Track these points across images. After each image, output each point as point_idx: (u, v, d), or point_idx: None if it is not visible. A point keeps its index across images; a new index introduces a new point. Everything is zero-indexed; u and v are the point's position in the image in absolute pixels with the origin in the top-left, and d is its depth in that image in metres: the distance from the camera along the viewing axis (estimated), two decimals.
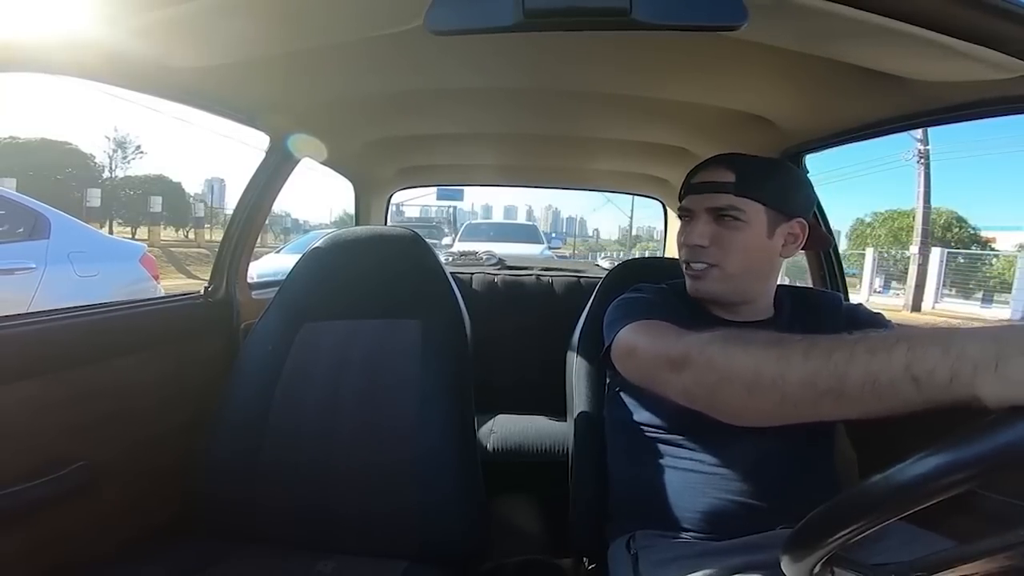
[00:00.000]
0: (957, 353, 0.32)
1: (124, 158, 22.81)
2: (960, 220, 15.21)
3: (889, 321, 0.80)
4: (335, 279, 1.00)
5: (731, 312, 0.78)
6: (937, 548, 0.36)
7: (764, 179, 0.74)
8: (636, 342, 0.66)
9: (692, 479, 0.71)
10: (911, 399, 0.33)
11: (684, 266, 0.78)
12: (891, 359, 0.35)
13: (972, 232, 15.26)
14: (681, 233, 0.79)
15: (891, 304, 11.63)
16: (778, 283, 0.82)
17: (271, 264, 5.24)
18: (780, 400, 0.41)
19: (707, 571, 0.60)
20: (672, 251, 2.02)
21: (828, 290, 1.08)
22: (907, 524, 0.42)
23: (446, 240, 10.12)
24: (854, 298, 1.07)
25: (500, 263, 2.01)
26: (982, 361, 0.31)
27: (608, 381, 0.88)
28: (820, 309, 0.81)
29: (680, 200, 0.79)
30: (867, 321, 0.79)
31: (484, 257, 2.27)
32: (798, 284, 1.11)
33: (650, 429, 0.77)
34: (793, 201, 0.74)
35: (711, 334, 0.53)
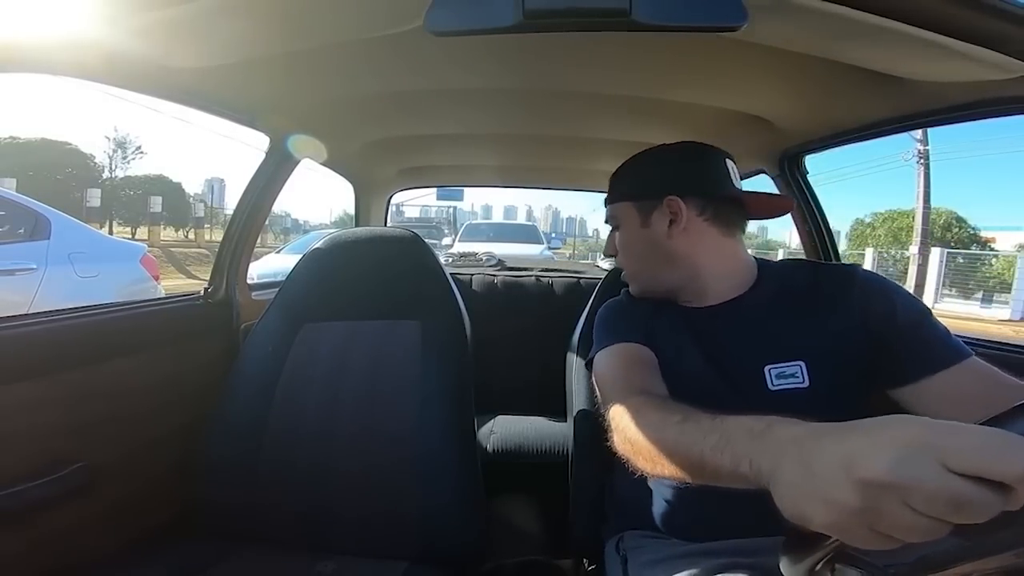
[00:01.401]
0: (756, 468, 0.38)
1: (124, 158, 22.85)
2: (960, 220, 15.21)
3: (906, 296, 0.69)
4: (335, 280, 1.00)
5: (686, 300, 0.77)
6: (939, 546, 0.35)
7: (623, 179, 0.80)
8: (599, 379, 0.72)
9: (684, 486, 0.68)
10: (746, 486, 0.39)
11: None
12: (723, 458, 0.42)
13: (972, 232, 15.27)
14: None
15: None
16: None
17: (271, 264, 5.24)
18: (672, 472, 0.49)
19: (694, 571, 0.59)
20: None
21: (845, 263, 0.98)
22: None
23: (446, 240, 10.12)
24: None
25: (500, 264, 2.01)
26: (768, 479, 0.36)
27: None
28: (830, 282, 0.71)
29: None
30: (879, 297, 0.68)
31: (484, 258, 2.27)
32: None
33: None
34: (652, 183, 0.75)
35: (632, 402, 0.59)
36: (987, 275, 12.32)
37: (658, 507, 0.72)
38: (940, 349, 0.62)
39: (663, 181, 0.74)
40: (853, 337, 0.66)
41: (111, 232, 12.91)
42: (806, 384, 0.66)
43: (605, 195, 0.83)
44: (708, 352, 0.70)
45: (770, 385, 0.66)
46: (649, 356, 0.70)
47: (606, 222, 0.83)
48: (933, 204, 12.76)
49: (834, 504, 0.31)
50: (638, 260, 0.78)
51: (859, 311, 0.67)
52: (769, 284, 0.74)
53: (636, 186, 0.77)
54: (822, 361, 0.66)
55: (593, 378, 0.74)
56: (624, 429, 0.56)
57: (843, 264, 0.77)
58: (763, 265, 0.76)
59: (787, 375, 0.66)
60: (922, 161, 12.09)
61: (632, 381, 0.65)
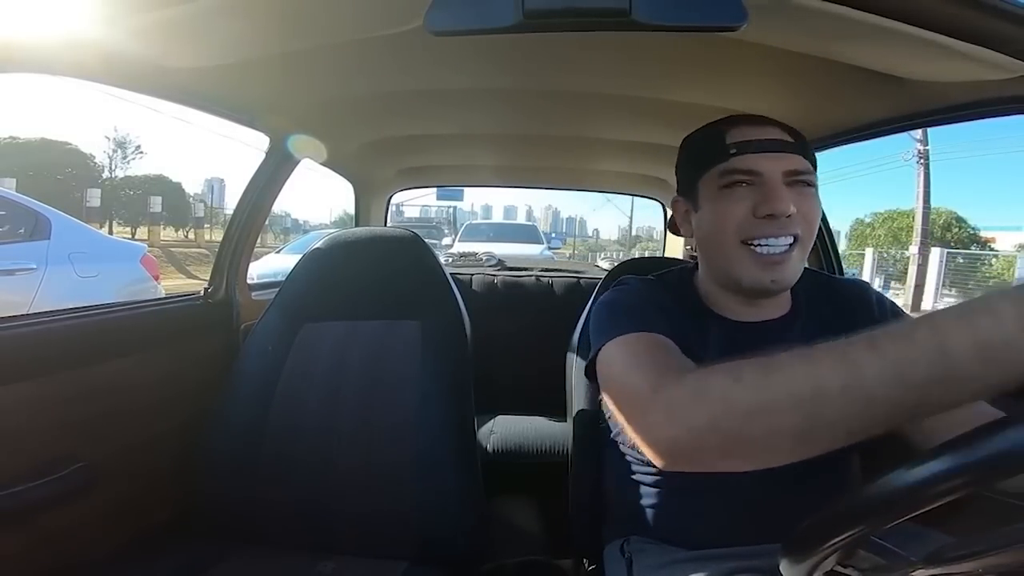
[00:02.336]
0: (966, 310, 0.29)
1: (124, 158, 22.85)
2: (960, 220, 15.21)
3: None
4: (335, 280, 1.00)
5: (745, 309, 0.65)
6: (939, 544, 0.36)
7: (809, 145, 0.63)
8: (611, 373, 0.54)
9: (687, 495, 0.67)
10: (984, 376, 0.29)
11: (746, 250, 0.59)
12: (959, 332, 0.29)
13: (972, 232, 15.26)
14: (736, 205, 0.59)
15: None
16: None
17: (271, 264, 5.25)
18: (864, 410, 0.33)
19: (702, 575, 0.59)
20: (672, 251, 2.02)
21: (853, 277, 0.89)
22: (908, 523, 0.42)
23: (446, 240, 10.13)
24: None
25: (500, 264, 2.01)
26: (996, 311, 0.28)
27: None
28: (846, 301, 0.67)
29: (719, 161, 0.61)
30: (891, 318, 0.66)
31: (484, 258, 2.28)
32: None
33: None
34: None
35: (702, 370, 0.43)
36: (987, 275, 12.31)
37: (656, 515, 0.71)
38: None
39: None
40: None
41: (111, 232, 12.91)
42: None
43: (786, 140, 0.61)
44: None
45: None
46: (678, 349, 0.55)
47: (797, 173, 0.60)
48: (933, 204, 12.77)
49: None
50: (814, 237, 0.62)
51: (877, 315, 0.66)
52: (804, 298, 0.68)
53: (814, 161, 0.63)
54: None
55: (599, 377, 0.58)
56: (728, 387, 0.39)
57: (851, 280, 0.73)
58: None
59: None
60: (922, 161, 12.08)
61: (670, 363, 0.50)
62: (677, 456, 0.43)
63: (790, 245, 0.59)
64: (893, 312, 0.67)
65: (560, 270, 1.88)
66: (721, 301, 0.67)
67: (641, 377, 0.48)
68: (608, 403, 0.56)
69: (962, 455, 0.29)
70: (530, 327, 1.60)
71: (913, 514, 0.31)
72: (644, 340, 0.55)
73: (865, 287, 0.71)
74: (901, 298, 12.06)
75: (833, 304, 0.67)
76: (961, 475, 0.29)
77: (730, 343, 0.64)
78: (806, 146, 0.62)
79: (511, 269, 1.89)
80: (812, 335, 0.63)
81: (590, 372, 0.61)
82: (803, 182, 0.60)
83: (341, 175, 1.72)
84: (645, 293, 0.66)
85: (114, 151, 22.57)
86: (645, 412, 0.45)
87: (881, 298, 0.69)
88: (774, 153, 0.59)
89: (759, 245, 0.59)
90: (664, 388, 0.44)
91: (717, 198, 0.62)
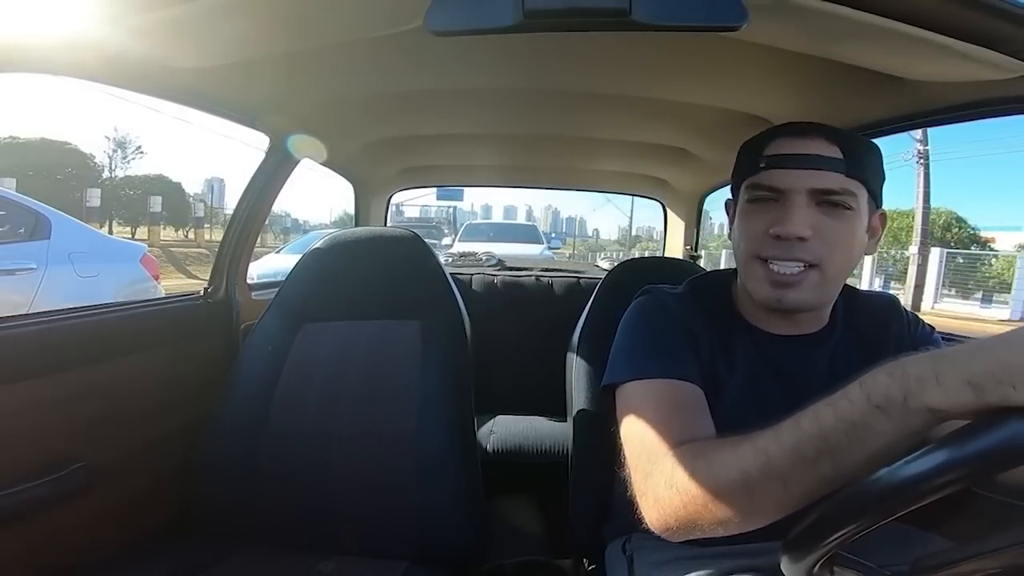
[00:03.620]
0: (900, 374, 0.34)
1: (124, 158, 22.87)
2: (959, 220, 15.20)
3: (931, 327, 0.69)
4: (335, 280, 1.00)
5: (780, 322, 0.64)
6: (936, 549, 0.36)
7: (868, 156, 0.59)
8: (632, 418, 0.57)
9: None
10: (885, 428, 0.34)
11: (759, 266, 0.59)
12: (851, 399, 0.36)
13: (971, 232, 15.26)
14: (755, 219, 0.59)
15: None
16: None
17: (271, 264, 5.25)
18: (783, 487, 0.40)
19: (703, 572, 0.59)
20: (672, 251, 2.02)
21: (881, 291, 0.88)
22: (906, 526, 0.42)
23: (446, 240, 10.13)
24: None
25: (500, 264, 2.01)
26: (922, 375, 0.33)
27: None
28: (878, 315, 0.68)
29: (750, 174, 0.60)
30: (915, 326, 0.68)
31: (484, 258, 2.28)
32: None
33: None
34: (882, 185, 0.62)
35: (676, 454, 0.49)
36: (987, 275, 12.31)
37: None
38: None
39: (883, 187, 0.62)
40: None
41: (111, 232, 12.90)
42: None
43: (824, 156, 0.57)
44: (795, 386, 0.62)
45: None
46: (700, 399, 0.58)
47: (829, 193, 0.57)
48: (933, 204, 12.77)
49: None
50: (845, 263, 0.60)
51: (908, 344, 0.65)
52: (842, 312, 0.67)
53: (876, 175, 0.60)
54: None
55: (617, 405, 0.61)
56: (688, 478, 0.46)
57: (881, 294, 0.73)
58: None
59: None
60: (922, 161, 12.08)
61: (683, 429, 0.54)
62: (666, 534, 0.50)
63: (802, 269, 0.57)
64: (917, 323, 0.69)
65: (560, 270, 1.88)
66: (756, 312, 0.66)
67: (646, 451, 0.53)
68: (620, 435, 0.59)
69: (957, 449, 0.30)
70: (530, 327, 1.61)
71: (910, 509, 0.31)
72: (667, 393, 0.58)
73: (895, 300, 0.72)
74: (901, 298, 12.01)
75: (869, 318, 0.67)
76: (956, 469, 0.29)
77: (761, 357, 0.64)
78: (855, 163, 0.57)
79: (511, 269, 1.89)
80: (848, 349, 0.65)
81: (607, 387, 0.64)
82: (835, 203, 0.57)
83: (341, 175, 1.73)
84: (673, 315, 0.65)
85: (114, 151, 22.61)
86: (640, 492, 0.52)
87: (906, 311, 0.70)
88: (805, 170, 0.57)
89: (768, 263, 0.58)
90: (654, 475, 0.50)
91: (744, 211, 0.62)
